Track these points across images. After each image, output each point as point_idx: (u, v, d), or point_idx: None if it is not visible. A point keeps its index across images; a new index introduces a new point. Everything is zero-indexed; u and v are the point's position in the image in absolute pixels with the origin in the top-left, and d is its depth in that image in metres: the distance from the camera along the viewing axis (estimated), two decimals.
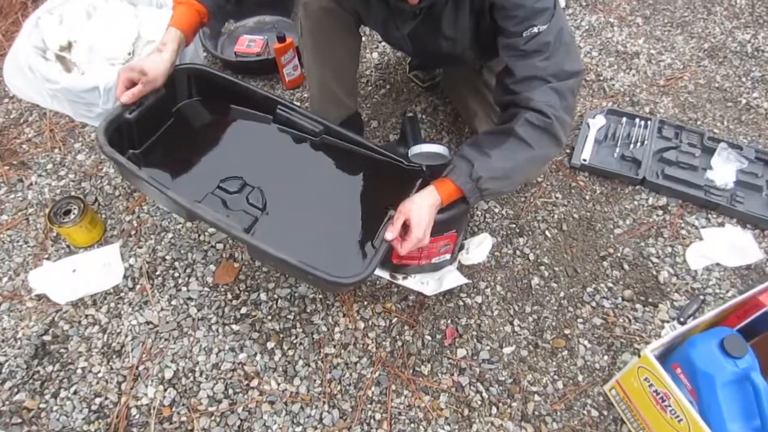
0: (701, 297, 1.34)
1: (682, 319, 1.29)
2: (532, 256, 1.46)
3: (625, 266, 1.44)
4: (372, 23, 1.24)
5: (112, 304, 1.41)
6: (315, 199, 1.13)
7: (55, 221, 1.44)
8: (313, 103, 1.46)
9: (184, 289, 1.42)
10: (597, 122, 1.73)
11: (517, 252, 1.47)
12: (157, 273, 1.46)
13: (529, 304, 1.38)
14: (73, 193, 1.65)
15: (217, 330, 1.35)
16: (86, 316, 1.40)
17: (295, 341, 1.32)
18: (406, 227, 1.03)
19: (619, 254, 1.47)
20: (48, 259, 1.52)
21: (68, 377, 1.31)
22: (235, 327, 1.35)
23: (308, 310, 1.37)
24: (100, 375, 1.31)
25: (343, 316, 1.36)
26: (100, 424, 1.23)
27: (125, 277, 1.46)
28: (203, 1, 1.15)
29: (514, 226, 1.52)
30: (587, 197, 1.59)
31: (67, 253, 1.52)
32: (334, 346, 1.31)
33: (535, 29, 1.01)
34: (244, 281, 1.43)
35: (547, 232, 1.51)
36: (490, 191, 1.06)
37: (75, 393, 1.28)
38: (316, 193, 1.14)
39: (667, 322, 1.33)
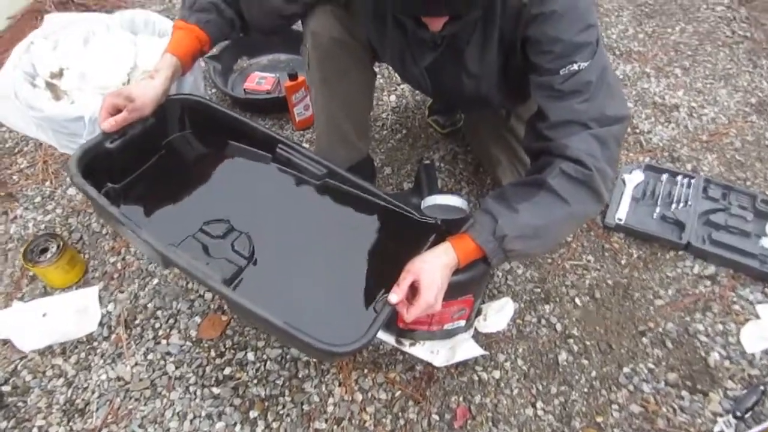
0: (761, 387, 1.16)
1: (738, 413, 1.11)
2: (559, 327, 1.31)
3: (668, 344, 1.28)
4: (388, 57, 1.15)
5: (83, 354, 1.29)
6: (311, 251, 1.01)
7: (30, 259, 1.34)
8: (320, 143, 1.36)
9: (163, 342, 1.30)
10: (634, 178, 1.60)
11: (543, 321, 1.32)
12: (136, 322, 1.34)
13: (555, 384, 1.22)
14: (57, 230, 1.56)
15: (195, 392, 1.21)
16: (52, 366, 1.28)
17: (281, 411, 1.18)
18: (414, 289, 0.91)
19: (660, 329, 1.31)
20: (21, 299, 1.41)
21: None
22: (215, 390, 1.21)
23: (300, 376, 1.23)
24: None
25: (339, 385, 1.21)
26: None
27: (101, 324, 1.34)
28: (204, 28, 1.07)
29: (539, 290, 1.38)
30: (623, 262, 1.44)
31: (41, 294, 1.42)
32: (326, 421, 1.16)
33: (575, 66, 0.90)
34: (231, 337, 1.30)
35: (576, 300, 1.36)
36: (517, 252, 0.93)
37: None
38: (313, 244, 1.02)
39: (721, 415, 1.16)
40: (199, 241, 0.96)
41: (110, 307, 1.37)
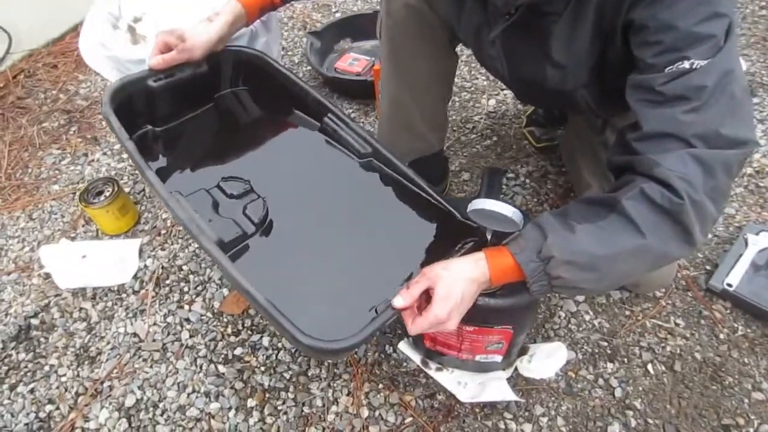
0: None
1: None
2: (619, 393, 1.14)
3: None
4: (463, 31, 1.06)
5: (110, 303, 1.34)
6: (330, 232, 0.96)
7: (85, 200, 1.42)
8: (382, 128, 1.31)
9: (186, 307, 1.31)
10: (761, 241, 1.38)
11: (600, 381, 1.16)
12: (167, 282, 1.37)
13: None
14: (126, 179, 1.65)
15: (201, 366, 1.21)
16: (80, 308, 1.33)
17: (280, 407, 1.13)
18: (429, 298, 0.82)
19: (751, 430, 1.10)
20: (73, 239, 1.50)
21: (33, 371, 1.23)
22: (221, 368, 1.20)
23: (309, 374, 1.18)
24: (64, 379, 1.22)
25: (348, 394, 1.14)
26: None
27: (135, 277, 1.38)
28: None
29: (605, 344, 1.22)
30: (722, 336, 1.24)
31: (92, 237, 1.50)
32: (323, 430, 1.10)
33: (686, 64, 0.74)
34: (252, 317, 1.29)
35: (650, 367, 1.18)
36: (565, 282, 0.79)
37: (31, 392, 1.20)
38: (334, 225, 0.97)
39: None
40: (211, 196, 0.95)
41: (149, 261, 1.41)
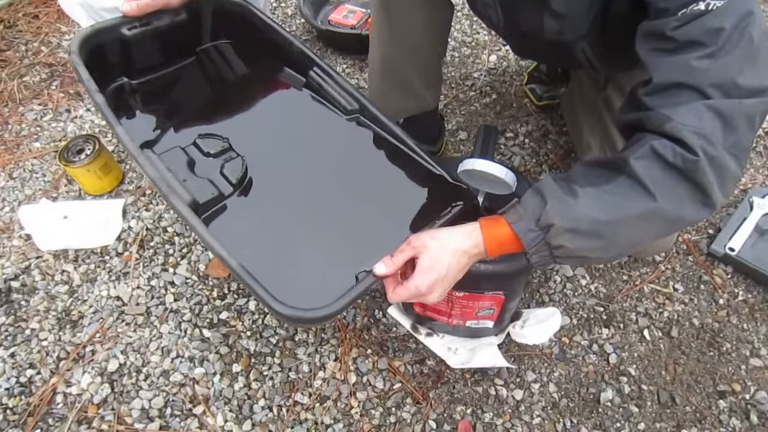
0: None
1: None
2: (613, 359, 1.12)
3: (753, 418, 1.05)
4: None
5: (92, 266, 1.30)
6: (314, 193, 0.91)
7: (65, 158, 1.37)
8: (372, 85, 1.25)
9: (170, 270, 1.28)
10: (767, 204, 1.34)
11: (595, 347, 1.14)
12: (151, 244, 1.33)
13: (589, 426, 1.04)
14: (110, 136, 1.60)
15: (185, 330, 1.18)
16: (62, 271, 1.30)
17: (266, 373, 1.11)
18: (414, 266, 0.78)
19: (747, 396, 1.08)
20: (55, 199, 1.46)
21: (14, 335, 1.21)
22: (206, 332, 1.18)
23: (296, 339, 1.16)
24: (45, 343, 1.19)
25: (335, 359, 1.12)
26: (20, 401, 1.10)
27: (119, 239, 1.35)
28: None
29: (601, 309, 1.19)
30: (721, 302, 1.21)
31: (75, 197, 1.46)
32: (310, 395, 1.08)
33: (701, 5, 0.67)
34: (238, 281, 1.26)
35: (646, 333, 1.16)
36: (568, 252, 0.73)
37: (12, 356, 1.18)
38: (318, 186, 0.92)
39: None
40: (187, 155, 0.90)
41: (132, 223, 1.38)
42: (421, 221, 0.85)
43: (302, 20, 1.92)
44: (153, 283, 1.26)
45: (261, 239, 0.85)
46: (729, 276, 1.25)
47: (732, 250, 1.25)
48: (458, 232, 0.78)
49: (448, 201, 0.89)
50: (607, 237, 0.72)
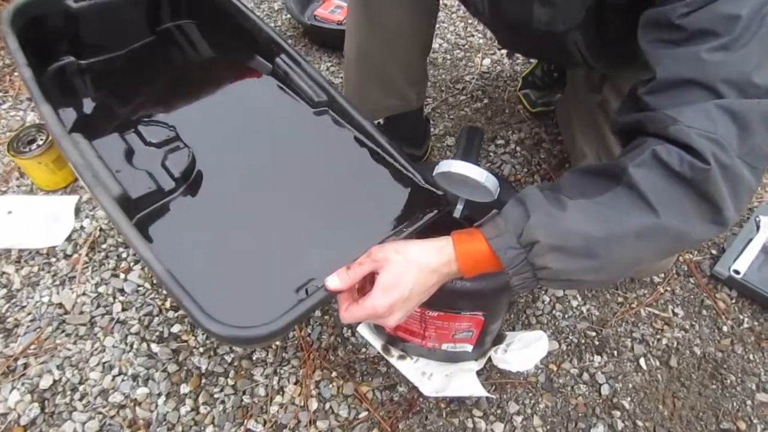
0: None
1: None
2: (606, 390, 1.00)
3: None
4: None
5: (35, 268, 1.18)
6: (271, 193, 0.80)
7: (13, 149, 1.25)
8: (348, 79, 1.14)
9: (121, 276, 1.15)
10: None
11: (585, 376, 1.02)
12: (104, 246, 1.21)
13: None
14: None
15: (132, 344, 1.06)
16: (2, 273, 1.18)
17: (217, 395, 0.99)
18: (372, 283, 0.66)
19: None
20: (5, 193, 1.33)
21: None
22: (154, 347, 1.05)
23: (254, 358, 1.04)
24: None
25: (296, 382, 1.00)
26: None
27: (69, 239, 1.22)
28: None
29: (593, 335, 1.08)
30: (725, 329, 1.10)
31: (26, 192, 1.33)
32: (264, 423, 0.96)
33: None
34: None
35: (642, 362, 1.04)
36: (553, 273, 0.62)
37: None
38: (276, 185, 0.81)
39: None
40: (126, 143, 0.78)
41: (86, 222, 1.25)
42: (386, 230, 0.73)
43: (288, 16, 1.82)
44: (101, 289, 1.14)
45: (203, 244, 0.73)
46: (733, 301, 1.13)
47: (737, 272, 1.13)
48: (427, 246, 0.66)
49: (418, 208, 0.77)
50: (600, 257, 0.60)
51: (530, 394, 0.99)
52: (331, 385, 0.99)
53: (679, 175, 0.57)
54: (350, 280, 0.64)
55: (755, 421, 0.98)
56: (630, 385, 1.01)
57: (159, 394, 0.99)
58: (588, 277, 0.62)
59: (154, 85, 0.95)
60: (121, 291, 1.13)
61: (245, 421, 0.96)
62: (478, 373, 0.98)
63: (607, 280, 0.65)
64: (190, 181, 0.79)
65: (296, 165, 0.85)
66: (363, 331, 1.03)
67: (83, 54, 0.93)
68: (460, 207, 0.86)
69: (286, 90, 0.93)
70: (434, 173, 0.79)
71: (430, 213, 0.75)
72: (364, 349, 1.04)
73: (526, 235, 0.61)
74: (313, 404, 0.97)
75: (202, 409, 0.97)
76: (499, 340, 1.01)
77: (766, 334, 1.09)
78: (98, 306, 1.11)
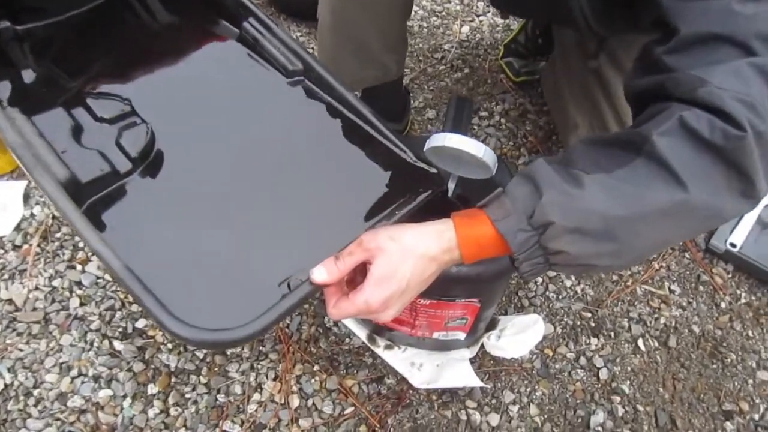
0: None
1: None
2: (604, 374, 0.95)
3: None
4: None
5: None
6: (241, 173, 0.70)
7: None
8: (323, 47, 1.04)
9: (78, 267, 1.05)
10: None
11: (582, 360, 0.96)
12: (57, 235, 1.09)
13: None
14: None
15: (92, 342, 0.96)
16: None
17: (189, 395, 0.90)
18: (364, 274, 0.57)
19: (756, 416, 0.92)
20: None
21: None
22: (117, 345, 0.95)
23: (228, 353, 0.95)
24: None
25: (275, 378, 0.92)
26: None
27: (17, 228, 1.11)
28: None
29: (589, 315, 1.01)
30: (723, 305, 1.05)
31: None
32: (242, 424, 0.87)
33: None
34: None
35: (640, 343, 0.99)
36: (569, 258, 0.54)
37: None
38: (248, 166, 0.71)
39: None
40: (72, 119, 0.68)
41: (36, 210, 1.14)
42: (376, 214, 0.65)
43: None
44: (55, 283, 1.03)
45: (167, 233, 0.64)
46: (730, 275, 1.09)
47: (733, 245, 1.08)
48: (425, 231, 0.58)
49: (410, 188, 0.68)
50: (622, 239, 0.53)
51: (526, 382, 0.93)
52: (313, 380, 0.91)
53: (710, 144, 0.50)
54: (339, 271, 0.55)
55: (758, 401, 0.94)
56: (629, 368, 0.96)
57: (124, 396, 0.90)
58: (607, 261, 0.55)
59: (104, 54, 0.83)
60: (79, 284, 1.03)
61: (220, 422, 0.87)
62: (471, 362, 0.91)
63: (626, 264, 0.58)
64: (150, 161, 0.69)
65: (270, 142, 0.75)
66: (346, 320, 0.95)
67: (20, 18, 0.80)
68: (452, 185, 0.78)
69: (256, 58, 0.82)
70: (426, 148, 0.70)
71: (423, 192, 0.66)
72: (348, 340, 0.96)
73: (538, 215, 0.53)
74: (295, 401, 0.89)
75: (173, 411, 0.89)
76: (492, 325, 0.95)
77: (764, 309, 1.04)
78: (53, 301, 1.01)
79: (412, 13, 1.58)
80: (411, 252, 0.55)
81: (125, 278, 0.54)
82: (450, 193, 0.78)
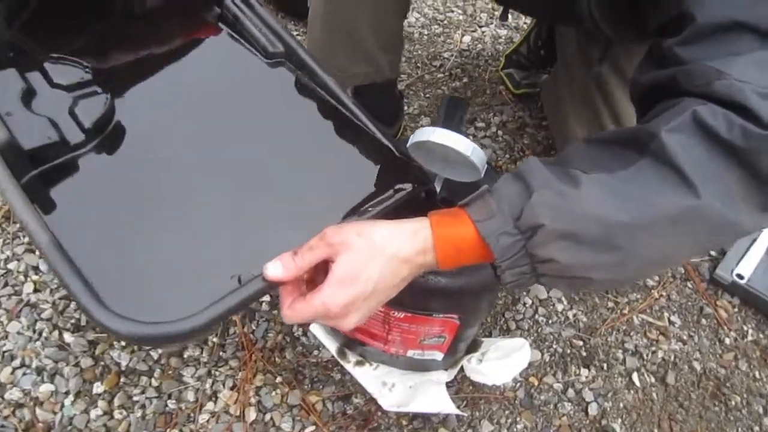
0: None
1: None
2: (594, 409, 0.86)
3: None
4: None
5: None
6: (205, 157, 0.63)
7: None
8: (312, 35, 0.97)
9: (37, 252, 0.97)
10: None
11: (570, 392, 0.87)
12: None
13: None
14: None
15: (41, 332, 0.88)
16: None
17: (137, 398, 0.82)
18: (326, 273, 0.49)
19: None
20: None
21: None
22: (67, 337, 0.87)
23: (185, 356, 0.86)
24: None
25: (232, 387, 0.83)
26: None
27: None
28: None
29: (580, 344, 0.93)
30: (727, 341, 0.96)
31: None
32: None
33: None
34: None
35: (635, 377, 0.90)
36: (559, 269, 0.46)
37: None
38: (212, 148, 0.64)
39: None
40: (25, 81, 0.60)
41: None
42: (347, 207, 0.57)
43: None
44: (11, 266, 0.95)
45: (115, 214, 0.56)
46: (736, 309, 1.00)
47: (741, 277, 1.00)
48: (398, 228, 0.49)
49: (389, 183, 0.60)
50: (623, 249, 0.45)
51: (507, 412, 0.84)
52: (274, 393, 0.83)
53: (727, 144, 0.43)
54: (296, 268, 0.48)
55: None
56: (621, 405, 0.87)
57: (66, 393, 0.82)
58: (603, 274, 0.47)
59: (77, 30, 0.76)
60: (36, 269, 0.95)
61: (167, 430, 0.79)
62: (448, 386, 0.82)
63: (626, 278, 0.50)
64: (106, 134, 0.62)
65: (241, 125, 0.68)
66: (316, 330, 0.86)
67: None
68: (437, 188, 0.71)
69: (236, 37, 0.75)
70: (409, 143, 0.63)
71: (403, 189, 0.58)
72: (316, 352, 0.88)
73: (526, 217, 0.45)
74: (251, 414, 0.81)
75: (117, 414, 0.80)
76: (473, 347, 0.86)
77: None
78: (5, 285, 0.93)
79: (413, 19, 1.53)
80: (380, 251, 0.47)
81: (49, 254, 0.47)
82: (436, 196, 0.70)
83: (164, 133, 0.64)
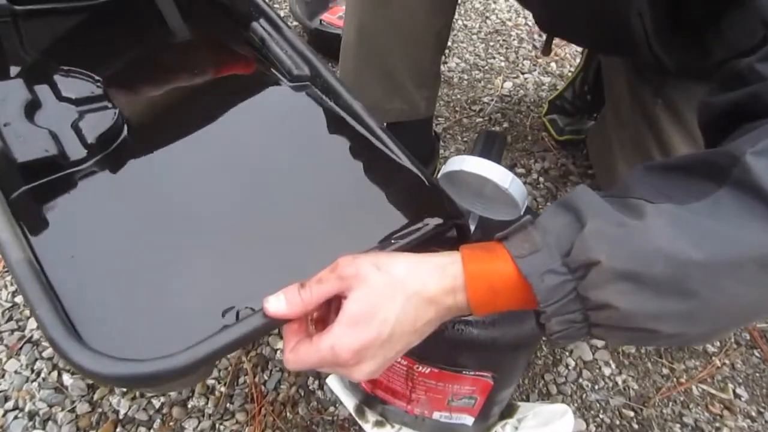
0: None
1: None
2: None
3: None
4: None
5: None
6: (217, 181, 0.57)
7: None
8: (345, 64, 0.92)
9: None
10: None
11: None
12: None
13: None
14: None
15: (40, 372, 0.82)
16: None
17: None
18: (337, 310, 0.41)
19: None
20: None
21: None
22: (66, 379, 0.81)
23: (189, 406, 0.78)
24: None
25: (212, 429, 0.74)
26: None
27: None
28: None
29: (631, 415, 0.81)
30: None
31: None
32: None
33: None
34: None
35: None
36: (617, 318, 0.37)
37: None
38: (226, 171, 0.58)
39: None
40: (31, 92, 0.56)
41: None
42: (369, 238, 0.49)
43: (295, 22, 1.64)
44: (18, 299, 0.89)
45: (112, 239, 0.50)
46: None
47: None
48: (423, 262, 0.41)
49: (418, 215, 0.53)
50: (698, 295, 0.35)
51: None
52: None
53: None
54: (303, 303, 0.40)
55: None
56: None
57: None
58: (672, 327, 0.37)
59: (97, 48, 0.73)
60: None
61: None
62: None
63: (701, 334, 0.40)
64: (111, 150, 0.56)
65: (259, 148, 0.62)
66: (333, 384, 0.77)
67: None
68: (472, 227, 0.62)
69: (261, 59, 0.71)
70: (440, 173, 0.55)
71: (433, 222, 0.50)
72: (332, 408, 0.78)
73: (577, 252, 0.36)
74: None
75: None
76: (509, 412, 0.75)
77: None
78: (10, 319, 0.87)
79: (453, 64, 1.49)
80: (401, 287, 0.39)
81: (19, 272, 0.41)
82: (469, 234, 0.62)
83: (173, 155, 0.59)
